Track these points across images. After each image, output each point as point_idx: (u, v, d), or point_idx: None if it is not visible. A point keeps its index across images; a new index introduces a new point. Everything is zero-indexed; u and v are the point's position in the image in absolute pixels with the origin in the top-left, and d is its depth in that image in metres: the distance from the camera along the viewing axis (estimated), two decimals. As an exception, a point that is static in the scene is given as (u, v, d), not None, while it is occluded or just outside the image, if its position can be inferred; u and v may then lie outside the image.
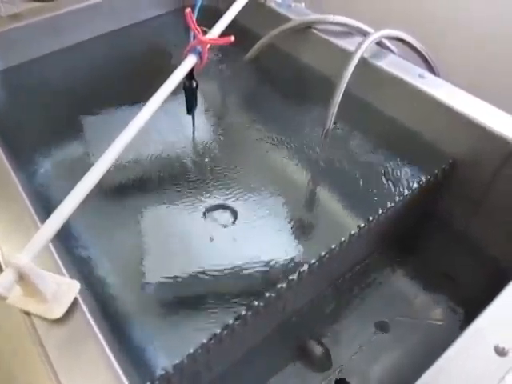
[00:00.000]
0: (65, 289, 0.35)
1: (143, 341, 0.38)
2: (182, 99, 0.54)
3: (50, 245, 0.38)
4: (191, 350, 0.37)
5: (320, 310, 0.57)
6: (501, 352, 0.32)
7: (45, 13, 0.70)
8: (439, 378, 0.32)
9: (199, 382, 0.44)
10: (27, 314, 0.35)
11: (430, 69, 0.62)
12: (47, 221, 0.35)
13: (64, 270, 0.37)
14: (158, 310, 0.40)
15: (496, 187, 0.53)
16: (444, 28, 0.79)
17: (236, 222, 0.48)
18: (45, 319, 0.34)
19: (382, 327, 0.58)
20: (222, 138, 0.58)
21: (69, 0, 0.73)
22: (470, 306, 0.42)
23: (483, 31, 0.75)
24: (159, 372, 0.36)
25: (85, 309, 0.35)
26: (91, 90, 0.64)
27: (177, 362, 0.37)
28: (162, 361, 0.37)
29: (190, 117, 0.57)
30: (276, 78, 0.69)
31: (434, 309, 0.60)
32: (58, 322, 0.34)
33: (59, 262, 0.38)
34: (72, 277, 0.37)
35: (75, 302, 0.35)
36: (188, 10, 0.46)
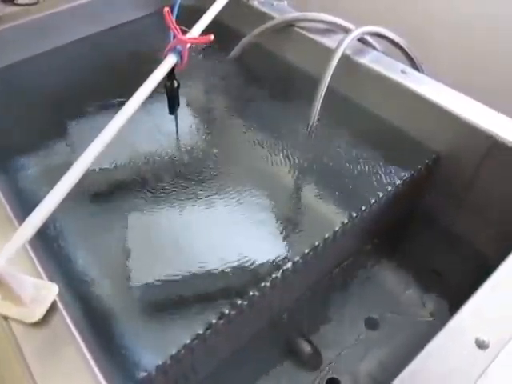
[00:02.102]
0: (43, 292, 0.35)
1: (124, 343, 0.38)
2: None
3: (29, 248, 0.38)
4: (174, 351, 0.37)
5: (308, 307, 0.56)
6: (481, 345, 0.32)
7: (27, 16, 0.70)
8: (420, 372, 0.32)
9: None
10: (5, 318, 0.34)
11: (413, 64, 0.62)
12: (24, 223, 0.34)
13: (43, 273, 0.37)
14: (139, 311, 0.40)
15: (480, 181, 0.53)
16: (427, 24, 0.79)
17: (219, 221, 0.47)
18: (23, 323, 0.34)
19: (372, 324, 0.58)
20: (205, 138, 0.58)
21: (51, 3, 0.73)
22: (459, 301, 0.42)
23: (466, 26, 0.75)
24: (141, 374, 0.36)
25: (64, 312, 0.35)
26: (72, 93, 0.64)
27: (159, 363, 0.36)
28: (144, 363, 0.36)
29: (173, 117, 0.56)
30: (260, 76, 0.69)
31: (422, 305, 0.60)
32: (36, 325, 0.34)
33: (38, 265, 0.37)
34: (51, 279, 0.37)
35: (54, 306, 0.35)
36: (166, 9, 0.46)
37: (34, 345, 0.33)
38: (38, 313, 0.34)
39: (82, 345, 0.33)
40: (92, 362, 0.33)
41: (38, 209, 0.35)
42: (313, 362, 0.55)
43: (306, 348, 0.56)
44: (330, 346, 0.56)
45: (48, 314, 0.34)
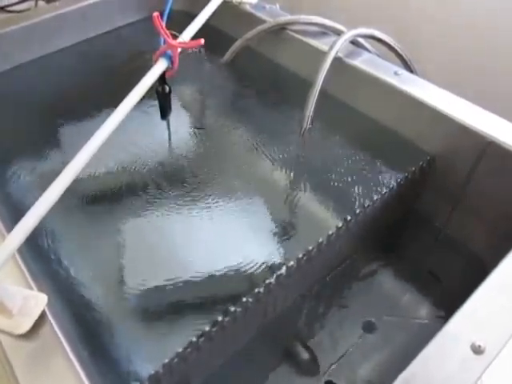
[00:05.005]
0: (32, 302, 0.34)
1: (116, 352, 0.37)
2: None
3: (18, 257, 0.37)
4: (167, 360, 0.36)
5: (304, 312, 0.56)
6: (477, 350, 0.32)
7: (17, 23, 0.70)
8: (415, 378, 0.31)
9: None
10: (-8, 330, 0.34)
11: (406, 66, 0.61)
12: (12, 232, 0.34)
13: (32, 283, 0.36)
14: (130, 320, 0.39)
15: (475, 183, 0.53)
16: (420, 25, 0.79)
17: (212, 227, 0.47)
18: (11, 335, 0.33)
19: (369, 328, 0.58)
20: (199, 142, 0.57)
21: (43, 10, 0.72)
22: (456, 303, 0.42)
23: (460, 26, 0.75)
24: (133, 384, 0.35)
25: (53, 322, 0.34)
26: (62, 99, 0.63)
27: (152, 372, 0.36)
28: (136, 372, 0.36)
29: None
30: (253, 80, 0.69)
31: (420, 307, 0.59)
32: (25, 336, 0.33)
33: (27, 275, 0.37)
34: (41, 289, 0.36)
35: (43, 316, 0.34)
36: (156, 14, 0.46)
37: (23, 357, 0.32)
38: (26, 324, 0.33)
39: (72, 356, 0.33)
40: (82, 374, 0.32)
41: (26, 217, 0.35)
42: (310, 368, 0.54)
43: (303, 353, 0.55)
44: (327, 351, 0.55)
45: (37, 325, 0.34)
